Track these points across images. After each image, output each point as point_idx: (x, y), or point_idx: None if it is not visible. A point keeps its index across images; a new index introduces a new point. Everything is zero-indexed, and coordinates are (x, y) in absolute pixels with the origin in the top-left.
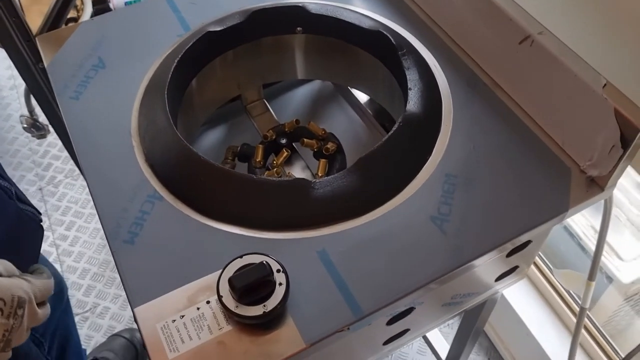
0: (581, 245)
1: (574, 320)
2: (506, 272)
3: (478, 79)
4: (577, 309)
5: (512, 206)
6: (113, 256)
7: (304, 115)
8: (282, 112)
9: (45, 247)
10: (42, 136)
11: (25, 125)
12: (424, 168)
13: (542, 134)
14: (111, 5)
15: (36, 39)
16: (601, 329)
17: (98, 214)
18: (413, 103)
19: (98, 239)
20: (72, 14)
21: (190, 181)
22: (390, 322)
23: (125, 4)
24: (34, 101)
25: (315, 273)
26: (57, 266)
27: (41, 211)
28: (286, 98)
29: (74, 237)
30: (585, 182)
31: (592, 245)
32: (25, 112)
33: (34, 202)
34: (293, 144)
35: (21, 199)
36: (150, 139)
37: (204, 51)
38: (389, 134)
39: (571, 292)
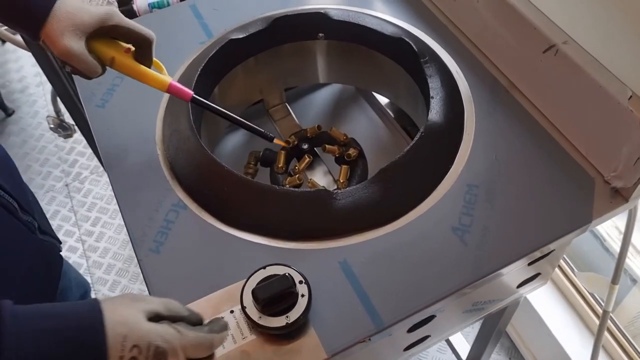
0: (605, 247)
1: (597, 321)
2: (528, 278)
3: (501, 87)
4: (599, 310)
5: (534, 217)
6: (139, 265)
7: (326, 118)
8: (304, 115)
9: (72, 243)
10: (68, 136)
11: (52, 126)
12: (445, 178)
13: (565, 143)
14: (134, 7)
15: None
16: (624, 330)
17: (125, 222)
18: (435, 112)
19: (123, 235)
20: None
21: (214, 190)
22: (411, 330)
23: (149, 5)
24: (60, 102)
25: (337, 283)
26: (83, 261)
27: (67, 207)
28: (308, 100)
29: (100, 232)
30: (609, 192)
31: (616, 247)
32: (52, 112)
33: (60, 198)
34: (315, 149)
35: (43, 230)
36: (174, 148)
37: (226, 59)
38: (411, 144)
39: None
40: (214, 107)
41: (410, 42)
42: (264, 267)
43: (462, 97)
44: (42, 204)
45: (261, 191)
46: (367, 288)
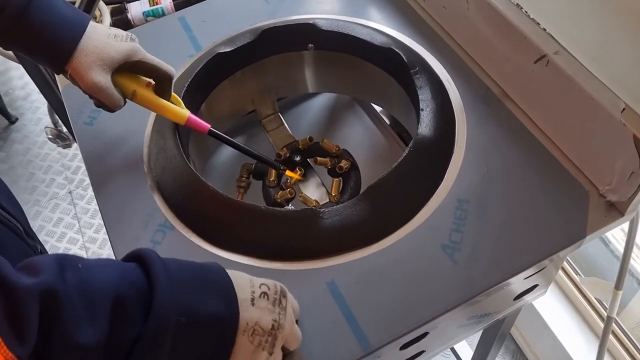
0: (610, 249)
1: (602, 325)
2: (525, 290)
3: (493, 96)
4: (604, 314)
5: (527, 232)
6: None
7: (320, 126)
8: (298, 124)
9: (76, 250)
10: (67, 146)
11: (50, 136)
12: (435, 193)
13: (559, 155)
14: (129, 16)
15: None
16: (629, 333)
17: (110, 242)
18: (425, 125)
19: None
20: None
21: (200, 211)
22: (403, 347)
23: (144, 14)
24: None
25: (324, 305)
26: None
27: (70, 214)
28: (302, 109)
29: (103, 239)
30: (604, 206)
31: (621, 249)
32: (50, 123)
33: (64, 205)
34: (308, 160)
35: (30, 235)
36: (161, 167)
37: (214, 73)
38: (400, 160)
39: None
40: (230, 140)
41: (400, 53)
42: None
43: (454, 108)
44: (46, 212)
45: (246, 211)
46: (355, 310)
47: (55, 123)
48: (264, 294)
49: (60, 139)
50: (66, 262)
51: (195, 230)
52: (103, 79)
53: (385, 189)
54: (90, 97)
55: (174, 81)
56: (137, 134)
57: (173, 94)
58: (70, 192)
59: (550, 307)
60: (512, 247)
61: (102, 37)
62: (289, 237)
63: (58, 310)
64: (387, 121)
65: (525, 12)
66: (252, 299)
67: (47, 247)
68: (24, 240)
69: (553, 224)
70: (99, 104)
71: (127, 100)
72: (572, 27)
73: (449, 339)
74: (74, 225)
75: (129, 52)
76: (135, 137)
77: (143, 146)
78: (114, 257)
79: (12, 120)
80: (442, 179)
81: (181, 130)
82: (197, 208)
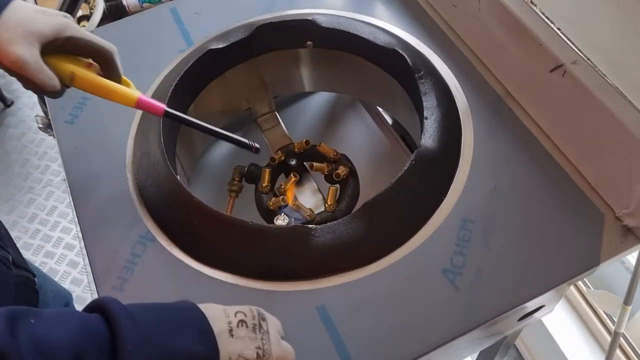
0: (621, 260)
1: (607, 338)
2: (530, 312)
3: (504, 105)
4: (611, 327)
5: (535, 258)
6: None
7: (319, 124)
8: (296, 123)
9: (69, 241)
10: None
11: (40, 126)
12: (437, 211)
13: (574, 172)
14: (124, 2)
15: None
16: (636, 347)
17: (87, 255)
18: (429, 136)
19: None
20: (84, 8)
21: (183, 223)
22: None
23: (139, 0)
24: None
25: (313, 332)
26: (80, 260)
27: (65, 202)
28: (300, 107)
29: None
30: (620, 230)
31: (632, 260)
32: (40, 112)
33: (58, 193)
34: (305, 163)
35: (17, 264)
36: (144, 173)
37: (205, 70)
38: (400, 174)
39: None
40: (190, 120)
41: (404, 55)
42: None
43: (461, 116)
44: (40, 199)
45: (232, 225)
46: (346, 340)
47: (45, 112)
48: (242, 322)
49: (51, 129)
50: (18, 317)
51: (177, 243)
52: (28, 52)
53: (382, 205)
54: (18, 77)
55: (117, 59)
56: (121, 134)
57: (124, 77)
58: (65, 179)
59: (555, 316)
60: (518, 273)
61: (28, 12)
62: (277, 256)
63: None
64: (390, 121)
65: (541, 12)
66: (230, 330)
67: (39, 236)
68: None
69: (564, 249)
70: (29, 84)
71: (67, 86)
72: (594, 32)
73: (449, 358)
74: (67, 214)
75: (60, 26)
76: (118, 138)
77: (126, 148)
78: (89, 270)
79: (7, 103)
80: (445, 196)
81: (167, 131)
82: (180, 220)
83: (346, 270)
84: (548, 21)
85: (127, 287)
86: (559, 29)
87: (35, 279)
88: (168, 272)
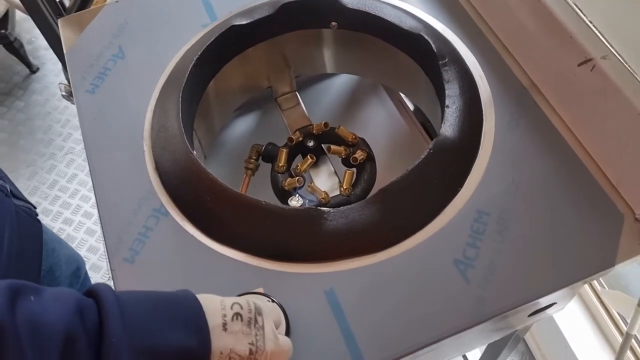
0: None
1: (618, 338)
2: (542, 308)
3: (528, 97)
4: (623, 327)
5: (549, 255)
6: (112, 274)
7: (339, 106)
8: (316, 104)
9: (87, 209)
10: None
11: (63, 94)
12: (453, 201)
13: (594, 169)
14: None
15: (58, 22)
16: None
17: (101, 224)
18: (449, 124)
19: None
20: None
21: (197, 199)
22: None
23: None
24: None
25: (320, 316)
26: (97, 228)
27: (85, 171)
28: (321, 88)
29: None
30: (639, 232)
31: None
32: (64, 80)
33: (79, 161)
34: (322, 145)
35: (15, 195)
36: (161, 147)
37: (227, 46)
38: (417, 162)
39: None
40: None
41: (430, 40)
42: (240, 295)
43: (483, 106)
44: (61, 166)
45: (245, 204)
46: (353, 325)
47: (69, 80)
48: (237, 314)
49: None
50: (18, 293)
51: (190, 219)
52: None
53: (398, 193)
54: None
55: None
56: (141, 107)
57: None
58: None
59: (567, 313)
60: (531, 270)
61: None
62: (288, 237)
63: (1, 349)
64: (412, 107)
65: (574, 3)
66: (224, 324)
67: (59, 203)
68: None
69: (579, 247)
70: None
71: None
72: (627, 27)
73: (454, 351)
74: (87, 183)
75: None
76: (137, 109)
77: (145, 120)
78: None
79: (33, 69)
80: (461, 186)
81: (186, 106)
82: (194, 196)
83: (357, 256)
84: (581, 13)
85: (138, 259)
86: (590, 21)
87: (36, 210)
88: (179, 247)
